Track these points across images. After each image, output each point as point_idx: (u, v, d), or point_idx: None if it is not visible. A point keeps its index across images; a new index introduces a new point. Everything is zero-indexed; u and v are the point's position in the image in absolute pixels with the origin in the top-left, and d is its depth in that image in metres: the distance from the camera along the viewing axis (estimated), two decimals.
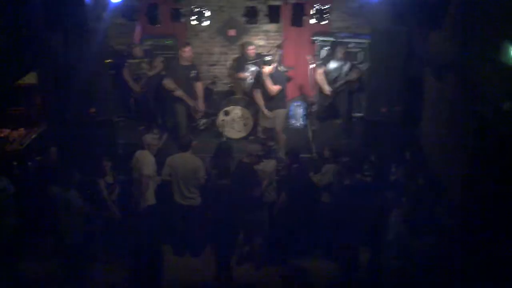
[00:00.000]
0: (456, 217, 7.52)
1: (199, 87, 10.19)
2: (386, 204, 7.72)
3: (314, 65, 10.68)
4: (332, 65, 10.43)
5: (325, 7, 9.84)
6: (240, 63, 11.32)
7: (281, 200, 8.27)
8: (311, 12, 9.86)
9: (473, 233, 7.28)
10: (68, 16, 8.56)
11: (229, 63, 12.30)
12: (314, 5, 9.80)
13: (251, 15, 10.02)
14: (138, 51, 10.72)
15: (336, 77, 10.36)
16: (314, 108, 11.06)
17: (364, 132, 9.94)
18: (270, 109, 9.61)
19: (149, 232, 7.89)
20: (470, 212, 7.48)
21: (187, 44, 10.39)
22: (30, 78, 9.61)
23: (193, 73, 10.04)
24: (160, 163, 8.45)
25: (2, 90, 9.10)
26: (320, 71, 10.47)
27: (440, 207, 7.52)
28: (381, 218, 7.70)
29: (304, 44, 11.54)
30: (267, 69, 9.37)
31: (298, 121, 11.38)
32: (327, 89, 10.38)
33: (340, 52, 10.39)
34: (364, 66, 10.55)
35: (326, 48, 11.20)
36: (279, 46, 11.30)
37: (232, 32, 12.11)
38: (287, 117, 10.68)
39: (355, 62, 10.75)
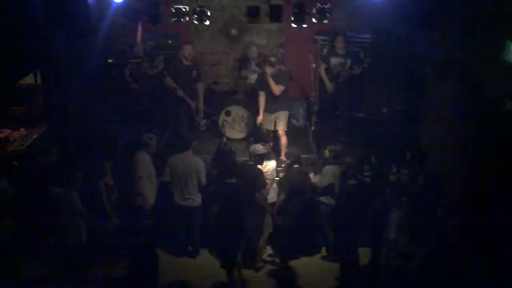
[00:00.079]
0: (456, 217, 7.51)
1: (200, 87, 10.17)
2: (386, 204, 7.72)
3: (315, 65, 10.63)
4: (335, 60, 10.35)
5: (326, 6, 9.81)
6: (243, 63, 11.30)
7: (279, 201, 8.26)
8: (312, 11, 9.83)
9: (473, 233, 7.28)
10: (70, 16, 8.56)
11: (231, 62, 12.28)
12: (316, 4, 9.76)
13: (253, 14, 10.00)
14: (139, 50, 10.71)
15: (339, 72, 10.28)
16: (315, 108, 11.02)
17: (364, 132, 9.91)
18: (273, 111, 9.56)
19: (146, 233, 7.91)
20: (470, 212, 7.47)
21: (188, 42, 10.38)
22: (31, 78, 9.62)
23: (194, 73, 10.03)
24: (160, 164, 8.44)
25: (3, 90, 9.10)
26: (323, 66, 10.40)
27: (440, 207, 7.51)
28: (381, 218, 7.69)
29: (306, 44, 11.51)
30: (270, 69, 9.34)
31: (298, 121, 11.35)
32: (330, 85, 10.29)
33: (340, 41, 10.29)
34: (365, 64, 10.49)
35: (328, 47, 11.16)
36: (281, 46, 11.26)
37: (234, 32, 12.09)
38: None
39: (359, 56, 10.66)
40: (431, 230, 7.34)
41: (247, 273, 8.24)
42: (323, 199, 8.40)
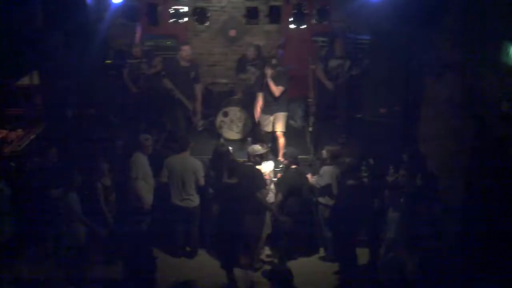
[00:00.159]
0: (455, 217, 7.50)
1: (198, 88, 10.16)
2: (384, 205, 7.70)
3: (314, 66, 10.62)
4: (333, 62, 10.34)
5: (325, 8, 9.81)
6: (241, 64, 11.28)
7: (277, 201, 8.23)
8: (311, 13, 9.83)
9: (473, 234, 7.26)
10: (69, 17, 8.56)
11: (229, 63, 12.26)
12: (315, 6, 9.76)
13: (252, 15, 9.99)
14: (138, 51, 10.70)
15: (338, 73, 10.26)
16: (313, 108, 11.00)
17: (362, 133, 9.89)
18: (272, 112, 9.55)
19: (144, 233, 7.88)
20: (469, 212, 7.45)
21: (186, 43, 10.37)
22: (30, 79, 9.60)
23: (192, 74, 10.02)
24: (158, 165, 8.42)
25: (2, 91, 9.10)
26: (321, 68, 10.38)
27: (439, 207, 7.49)
28: (379, 218, 7.68)
29: (304, 45, 11.49)
30: (270, 71, 9.31)
31: (296, 122, 11.33)
32: (329, 83, 10.27)
33: (338, 43, 10.28)
34: (364, 65, 10.48)
35: (326, 49, 11.15)
36: (280, 47, 11.25)
37: (232, 33, 12.08)
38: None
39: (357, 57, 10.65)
40: (429, 230, 7.32)
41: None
42: (321, 199, 8.38)
